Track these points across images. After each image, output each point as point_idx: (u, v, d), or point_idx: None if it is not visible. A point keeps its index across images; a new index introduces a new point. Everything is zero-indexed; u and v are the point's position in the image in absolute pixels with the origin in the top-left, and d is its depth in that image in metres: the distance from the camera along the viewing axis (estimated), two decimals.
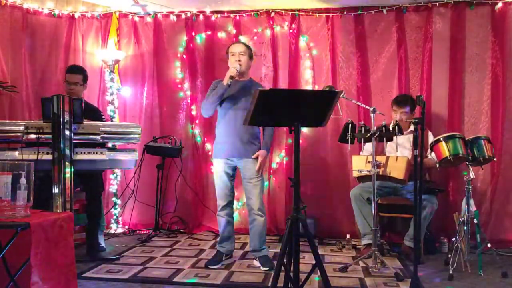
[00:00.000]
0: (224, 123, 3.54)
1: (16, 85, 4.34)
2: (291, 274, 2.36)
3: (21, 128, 3.06)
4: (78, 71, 3.97)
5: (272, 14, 4.72)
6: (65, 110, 3.00)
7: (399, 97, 4.11)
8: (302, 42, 4.71)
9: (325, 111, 2.46)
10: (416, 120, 2.98)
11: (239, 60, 3.47)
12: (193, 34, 4.87)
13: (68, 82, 3.90)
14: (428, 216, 3.73)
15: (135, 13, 4.91)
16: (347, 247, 4.14)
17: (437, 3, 4.41)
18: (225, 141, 3.52)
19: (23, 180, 2.28)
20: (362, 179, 3.77)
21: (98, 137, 3.24)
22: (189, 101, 4.89)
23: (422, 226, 3.61)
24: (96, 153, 3.23)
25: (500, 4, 4.30)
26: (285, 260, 2.35)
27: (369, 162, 3.51)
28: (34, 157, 2.99)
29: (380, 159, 3.60)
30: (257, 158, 3.50)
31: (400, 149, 3.81)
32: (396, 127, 3.38)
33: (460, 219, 3.44)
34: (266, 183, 4.60)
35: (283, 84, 4.69)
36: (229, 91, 3.44)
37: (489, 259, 3.57)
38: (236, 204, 4.61)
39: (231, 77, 3.37)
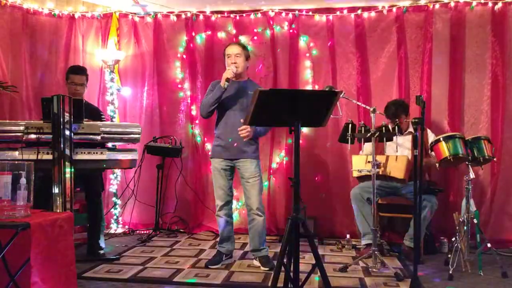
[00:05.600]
0: (222, 123, 3.54)
1: (16, 85, 4.33)
2: (291, 274, 2.36)
3: (21, 128, 3.06)
4: (82, 72, 3.97)
5: (272, 14, 4.72)
6: (65, 110, 3.00)
7: (390, 111, 3.92)
8: (302, 42, 4.71)
9: (325, 111, 2.45)
10: (416, 120, 2.98)
11: (234, 62, 3.46)
12: (193, 34, 4.87)
13: (74, 83, 3.88)
14: (428, 216, 3.73)
15: (135, 13, 4.91)
16: (347, 247, 4.14)
17: (437, 3, 4.41)
18: (223, 141, 3.52)
19: (23, 180, 2.28)
20: (362, 179, 3.77)
21: (98, 137, 3.24)
22: (189, 101, 4.89)
23: (422, 226, 3.61)
24: (96, 153, 3.24)
25: (500, 4, 4.30)
26: (285, 260, 2.35)
27: (369, 162, 3.51)
28: (34, 157, 2.99)
29: (380, 159, 3.60)
30: (254, 158, 3.52)
31: (400, 149, 3.81)
32: (396, 127, 3.38)
33: (460, 219, 3.44)
34: (265, 183, 4.60)
35: (283, 84, 4.69)
36: (226, 92, 3.44)
37: (489, 259, 3.57)
38: (236, 204, 4.62)
39: (227, 80, 3.37)
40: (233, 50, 3.51)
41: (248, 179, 3.50)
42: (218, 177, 3.57)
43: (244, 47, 3.58)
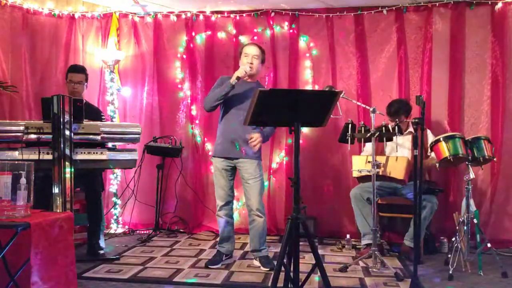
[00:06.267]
0: (225, 122, 3.53)
1: (16, 85, 4.34)
2: (291, 274, 2.36)
3: (21, 128, 3.06)
4: (81, 70, 3.98)
5: (272, 14, 4.72)
6: (65, 110, 3.01)
7: (392, 108, 3.97)
8: (302, 42, 4.71)
9: (325, 111, 2.46)
10: (416, 120, 2.98)
11: (251, 63, 3.45)
12: (193, 34, 4.87)
13: (72, 81, 3.89)
14: (428, 216, 3.73)
15: (135, 13, 4.91)
16: (347, 247, 4.14)
17: (437, 3, 4.41)
18: (225, 140, 3.51)
19: (23, 180, 2.28)
20: (362, 179, 3.77)
21: (98, 137, 3.24)
22: (189, 101, 4.89)
23: (422, 226, 3.61)
24: (96, 153, 3.24)
25: (500, 4, 4.30)
26: (285, 260, 2.35)
27: (369, 162, 3.51)
28: (34, 157, 2.99)
29: (380, 159, 3.60)
30: (255, 158, 3.50)
31: (400, 149, 3.81)
32: (396, 127, 3.38)
33: (460, 219, 3.44)
34: (265, 183, 4.59)
35: (283, 84, 4.69)
36: (234, 90, 3.42)
37: (489, 259, 3.57)
38: (236, 204, 4.61)
39: (238, 78, 3.36)
40: (252, 50, 3.49)
41: (248, 180, 3.49)
42: (219, 177, 3.57)
43: (262, 51, 3.55)
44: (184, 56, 4.90)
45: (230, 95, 3.42)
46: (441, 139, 3.51)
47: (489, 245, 3.41)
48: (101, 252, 3.74)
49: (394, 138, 3.46)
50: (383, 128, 3.39)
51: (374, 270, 3.39)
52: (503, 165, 4.29)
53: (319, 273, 2.41)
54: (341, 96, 3.10)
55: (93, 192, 3.82)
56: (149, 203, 4.80)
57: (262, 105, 2.32)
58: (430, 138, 3.90)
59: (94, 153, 3.23)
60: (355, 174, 3.71)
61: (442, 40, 4.42)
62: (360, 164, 3.66)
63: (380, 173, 3.58)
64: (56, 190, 2.98)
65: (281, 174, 4.73)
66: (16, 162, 2.46)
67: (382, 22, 4.56)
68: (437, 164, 3.61)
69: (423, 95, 4.15)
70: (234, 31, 4.79)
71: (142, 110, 4.96)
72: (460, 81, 4.41)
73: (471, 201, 3.43)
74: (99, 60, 4.89)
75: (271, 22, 4.73)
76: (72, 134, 3.07)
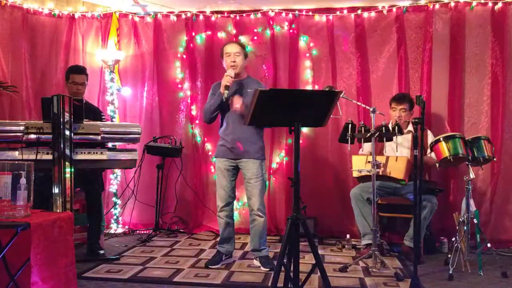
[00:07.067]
0: (224, 123, 3.55)
1: (16, 85, 4.34)
2: (291, 274, 2.36)
3: (21, 128, 3.06)
4: (83, 72, 3.98)
5: (272, 14, 4.72)
6: (65, 110, 3.01)
7: (398, 95, 4.15)
8: (302, 42, 4.72)
9: (325, 111, 2.46)
10: (416, 120, 2.98)
11: (233, 61, 3.45)
12: (193, 34, 4.87)
13: (75, 82, 3.89)
14: (428, 216, 3.73)
15: (135, 13, 4.91)
16: (347, 247, 4.14)
17: (437, 3, 4.42)
18: (225, 141, 3.52)
19: (23, 180, 2.28)
20: (362, 179, 3.77)
21: (98, 137, 3.24)
22: (189, 101, 4.89)
23: (422, 226, 3.61)
24: (96, 153, 3.24)
25: (500, 4, 4.30)
26: (285, 260, 2.35)
27: (369, 162, 3.51)
28: (34, 157, 2.99)
29: (380, 159, 3.60)
30: (257, 158, 3.50)
31: (399, 149, 3.81)
32: (396, 127, 3.38)
33: (460, 219, 3.44)
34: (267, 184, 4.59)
35: (283, 84, 4.69)
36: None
37: (489, 259, 3.57)
38: (236, 204, 4.61)
39: (227, 87, 3.36)
40: (232, 49, 3.50)
41: (250, 180, 3.50)
42: (220, 178, 3.57)
43: (243, 46, 3.58)
44: (184, 56, 4.91)
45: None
46: (441, 139, 3.51)
47: (489, 245, 3.41)
48: (101, 252, 3.74)
49: (394, 138, 3.46)
50: (383, 128, 3.39)
51: (374, 270, 3.38)
52: (503, 165, 4.29)
53: (319, 273, 2.41)
54: (341, 96, 3.10)
55: (93, 192, 3.82)
56: (149, 203, 4.80)
57: (262, 105, 2.32)
58: (430, 138, 3.90)
59: (94, 153, 3.23)
60: (355, 174, 3.71)
61: (442, 40, 4.42)
62: (360, 164, 3.66)
63: (380, 173, 3.58)
64: (56, 190, 2.98)
65: (281, 174, 4.73)
66: (16, 162, 2.46)
67: (382, 22, 4.57)
68: (437, 164, 3.61)
69: (423, 95, 4.16)
70: (234, 31, 4.79)
71: (142, 110, 4.96)
72: (460, 81, 4.41)
73: (471, 201, 3.43)
74: (99, 60, 4.89)
75: (271, 22, 4.73)
76: (72, 134, 3.07)
